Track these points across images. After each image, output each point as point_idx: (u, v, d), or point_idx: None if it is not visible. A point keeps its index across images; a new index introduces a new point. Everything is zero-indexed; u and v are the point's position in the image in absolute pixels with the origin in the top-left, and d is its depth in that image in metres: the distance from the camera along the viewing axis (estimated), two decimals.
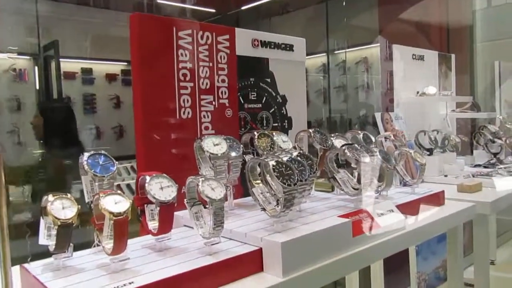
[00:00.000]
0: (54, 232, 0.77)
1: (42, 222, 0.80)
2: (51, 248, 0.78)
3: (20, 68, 4.33)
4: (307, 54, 1.50)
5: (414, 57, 2.07)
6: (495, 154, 2.19)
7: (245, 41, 1.29)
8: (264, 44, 1.34)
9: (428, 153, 1.91)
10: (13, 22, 4.11)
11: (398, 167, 1.40)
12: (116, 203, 0.75)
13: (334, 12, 4.87)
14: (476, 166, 2.12)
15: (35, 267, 0.80)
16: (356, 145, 1.13)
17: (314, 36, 5.10)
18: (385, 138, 1.61)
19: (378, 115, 1.76)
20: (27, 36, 4.33)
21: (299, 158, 0.98)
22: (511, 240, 3.22)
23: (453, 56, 2.36)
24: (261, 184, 0.96)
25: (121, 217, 0.74)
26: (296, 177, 0.88)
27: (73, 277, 0.74)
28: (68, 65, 4.55)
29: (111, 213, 0.74)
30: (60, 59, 4.32)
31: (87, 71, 4.73)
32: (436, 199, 1.36)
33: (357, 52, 4.72)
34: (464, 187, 1.58)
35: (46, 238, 0.79)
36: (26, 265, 0.81)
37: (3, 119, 4.25)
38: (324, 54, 5.18)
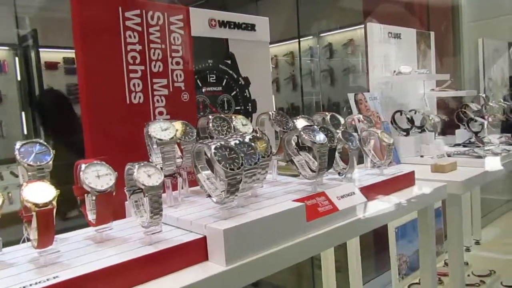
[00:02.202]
0: None
1: None
2: None
3: None
4: (293, 38, 1.45)
5: (390, 35, 2.01)
6: (476, 133, 2.15)
7: (201, 21, 1.24)
8: (223, 24, 1.28)
9: (405, 133, 1.87)
10: None
11: (366, 148, 1.36)
12: (40, 193, 0.71)
13: None
14: (456, 145, 2.09)
15: None
16: (315, 126, 1.08)
17: (301, 20, 5.02)
18: (358, 119, 1.57)
19: (351, 96, 1.71)
20: (5, 26, 4.24)
21: (249, 142, 0.94)
22: (495, 220, 3.20)
23: (432, 33, 2.30)
24: (208, 170, 0.91)
25: (45, 207, 0.69)
26: (241, 161, 0.84)
27: None
28: (49, 55, 4.48)
29: (34, 204, 0.69)
30: (40, 49, 4.24)
31: (69, 61, 4.65)
32: (406, 180, 1.32)
33: (343, 34, 4.65)
34: (438, 167, 1.55)
35: None
36: None
37: None
38: (312, 37, 5.10)
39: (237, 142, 0.91)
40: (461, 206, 1.50)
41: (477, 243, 2.77)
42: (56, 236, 0.74)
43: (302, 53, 5.08)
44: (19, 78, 4.42)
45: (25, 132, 3.75)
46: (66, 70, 4.68)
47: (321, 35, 4.88)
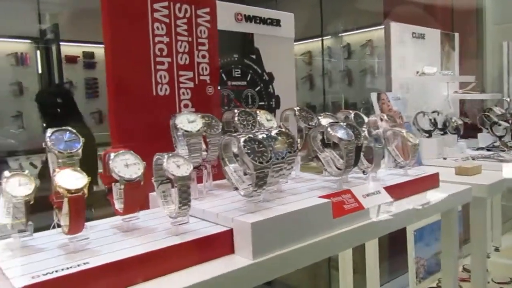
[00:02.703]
0: (11, 210, 0.74)
1: (1, 200, 0.76)
2: (9, 227, 0.75)
3: (22, 52, 4.31)
4: (312, 37, 1.44)
5: (414, 35, 1.99)
6: (500, 137, 2.11)
7: (227, 15, 1.23)
8: (249, 18, 1.28)
9: (427, 135, 1.85)
10: (13, 7, 4.08)
11: (390, 148, 1.35)
12: (72, 180, 0.71)
13: None
14: (479, 149, 2.05)
15: None
16: (341, 123, 1.07)
17: (319, 19, 4.99)
18: (380, 118, 1.55)
19: (373, 95, 1.69)
20: (28, 20, 4.30)
21: (277, 136, 0.93)
22: None
23: (456, 35, 2.26)
24: (235, 163, 0.91)
25: (77, 194, 0.70)
26: (269, 155, 0.83)
27: (28, 257, 0.71)
28: (69, 49, 4.52)
29: (66, 189, 0.70)
30: (61, 43, 4.29)
31: (89, 55, 4.69)
32: (430, 181, 1.30)
33: (361, 35, 4.61)
34: (462, 169, 1.52)
35: (5, 216, 0.76)
36: None
37: (7, 104, 4.24)
38: (329, 37, 5.08)
39: (265, 136, 0.90)
40: (486, 210, 1.47)
41: (497, 250, 2.72)
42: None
43: (320, 53, 5.06)
44: (40, 71, 4.49)
45: (44, 125, 3.79)
46: (85, 64, 4.74)
47: (340, 35, 4.86)
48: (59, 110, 2.78)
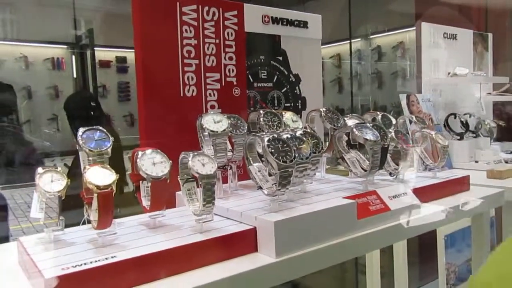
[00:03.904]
0: (44, 205, 0.77)
1: (35, 195, 0.80)
2: (41, 222, 0.78)
3: (58, 57, 4.47)
4: (341, 40, 1.43)
5: (445, 35, 1.94)
6: None
7: (254, 17, 1.25)
8: (276, 20, 1.29)
9: (458, 137, 1.80)
10: (50, 13, 4.25)
11: (419, 150, 1.32)
12: (102, 176, 0.74)
13: None
14: None
15: (29, 240, 0.80)
16: (367, 124, 1.06)
17: (347, 22, 4.95)
18: (409, 120, 1.53)
19: (402, 96, 1.67)
20: (64, 26, 4.46)
21: (301, 136, 0.93)
22: None
23: (490, 35, 2.20)
24: (260, 163, 0.92)
25: (106, 190, 0.72)
26: (293, 154, 0.84)
27: (59, 251, 0.74)
28: (103, 53, 4.67)
29: (96, 186, 0.72)
30: (95, 48, 4.43)
31: (121, 60, 4.82)
32: (460, 184, 1.27)
33: (392, 37, 4.54)
34: (494, 173, 1.48)
35: (38, 211, 0.79)
36: (21, 238, 0.82)
37: (43, 107, 4.41)
38: (359, 39, 5.03)
39: (289, 136, 0.91)
40: None
41: None
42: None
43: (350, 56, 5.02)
44: (75, 75, 4.65)
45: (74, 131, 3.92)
46: (118, 69, 4.88)
47: (370, 37, 4.80)
48: (85, 114, 2.86)
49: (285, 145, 0.84)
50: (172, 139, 1.07)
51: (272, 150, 0.82)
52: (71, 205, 0.86)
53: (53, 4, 4.32)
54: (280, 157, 0.82)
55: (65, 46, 4.58)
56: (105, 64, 4.80)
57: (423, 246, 2.22)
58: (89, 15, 4.62)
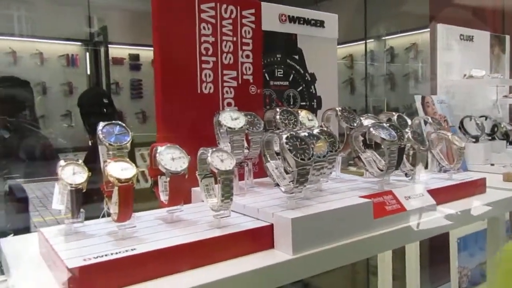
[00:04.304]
0: (65, 197, 0.78)
1: (56, 187, 0.81)
2: (62, 213, 0.79)
3: (72, 54, 4.52)
4: (354, 41, 1.43)
5: (462, 37, 1.93)
6: None
7: (272, 16, 1.25)
8: (292, 19, 1.29)
9: (474, 140, 1.79)
10: (65, 11, 4.29)
11: (435, 151, 1.32)
12: (122, 170, 0.75)
13: None
14: None
15: (50, 231, 0.82)
16: (384, 124, 1.06)
17: (362, 23, 4.93)
18: (424, 121, 1.52)
19: (417, 98, 1.66)
20: (79, 23, 4.51)
21: (318, 135, 0.94)
22: None
23: (507, 37, 2.18)
24: (277, 160, 0.92)
25: (127, 183, 0.73)
26: (311, 152, 0.84)
27: (80, 242, 0.75)
28: (116, 51, 4.71)
29: (117, 179, 0.73)
30: (108, 45, 4.47)
31: (134, 57, 4.86)
32: (476, 186, 1.26)
33: (405, 38, 4.51)
34: (510, 176, 1.46)
35: (59, 203, 0.80)
36: (42, 229, 0.83)
37: (57, 103, 4.46)
38: (372, 40, 5.00)
39: (306, 134, 0.91)
40: None
41: None
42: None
43: (362, 57, 5.00)
44: (88, 72, 4.70)
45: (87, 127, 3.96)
46: (130, 66, 4.92)
47: (383, 38, 4.78)
48: (98, 111, 2.89)
49: (303, 143, 0.85)
50: (188, 135, 1.07)
51: (290, 148, 0.82)
52: (86, 199, 0.87)
53: (68, 2, 4.37)
54: (298, 155, 0.82)
55: (79, 43, 4.63)
56: (118, 61, 4.84)
57: (435, 249, 2.20)
58: (103, 12, 4.66)
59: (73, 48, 4.64)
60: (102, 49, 4.59)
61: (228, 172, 0.79)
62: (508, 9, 2.78)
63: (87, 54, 4.64)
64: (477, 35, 2.00)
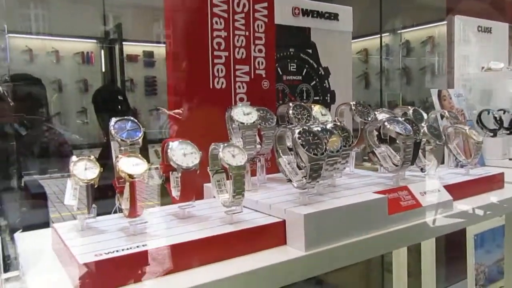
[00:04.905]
0: (77, 193, 0.79)
1: (68, 183, 0.81)
2: (75, 209, 0.79)
3: (87, 51, 4.57)
4: (368, 35, 1.41)
5: (479, 29, 1.88)
6: None
7: (285, 9, 1.24)
8: (306, 12, 1.27)
9: (491, 134, 1.75)
10: (80, 9, 4.33)
11: (451, 146, 1.29)
12: (134, 166, 0.75)
13: None
14: None
15: (63, 227, 0.82)
16: (399, 118, 1.04)
17: (377, 16, 4.86)
18: (441, 115, 1.49)
19: (434, 91, 1.62)
20: (94, 20, 4.55)
21: (332, 129, 0.92)
22: None
23: None
24: (289, 155, 0.91)
25: (138, 179, 0.73)
26: (324, 147, 0.83)
27: (92, 237, 0.75)
28: (131, 48, 4.74)
29: (128, 174, 0.73)
30: (123, 43, 4.50)
31: (148, 54, 4.88)
32: (494, 181, 1.23)
33: (421, 31, 4.43)
34: None
35: (72, 199, 0.81)
36: (55, 225, 0.84)
37: (73, 100, 4.52)
38: (388, 34, 4.94)
39: (319, 129, 0.89)
40: None
41: None
42: None
43: (377, 51, 4.93)
44: (103, 70, 4.74)
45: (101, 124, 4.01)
46: (145, 63, 4.95)
47: (398, 32, 4.71)
48: (112, 108, 2.91)
49: (316, 138, 0.83)
50: (200, 131, 1.07)
51: (303, 143, 0.81)
52: (99, 195, 0.87)
53: (83, 0, 4.41)
54: (310, 150, 0.81)
55: (94, 41, 4.68)
56: (133, 58, 4.87)
57: (451, 245, 2.16)
58: (117, 10, 4.69)
59: (88, 45, 4.68)
60: (117, 47, 4.63)
61: (240, 168, 0.78)
62: None
63: (102, 51, 4.68)
64: (495, 27, 1.95)
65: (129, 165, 0.74)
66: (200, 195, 1.03)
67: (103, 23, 4.70)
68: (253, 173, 1.05)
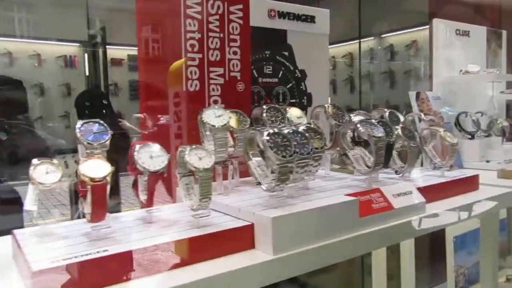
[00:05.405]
0: (37, 198, 0.76)
1: (30, 187, 0.79)
2: (35, 214, 0.77)
3: (70, 55, 4.52)
4: (353, 39, 1.41)
5: (458, 32, 1.90)
6: None
7: (260, 11, 1.23)
8: (282, 14, 1.27)
9: (469, 136, 1.76)
10: (64, 12, 4.28)
11: (427, 148, 1.29)
12: (97, 168, 0.73)
13: None
14: None
15: (23, 233, 0.80)
16: (373, 120, 1.04)
17: (362, 21, 4.89)
18: (419, 118, 1.50)
19: (412, 94, 1.63)
20: (77, 24, 4.50)
21: (304, 132, 0.91)
22: None
23: (504, 32, 2.14)
24: (259, 158, 0.90)
25: (100, 182, 0.71)
26: (293, 149, 0.82)
27: (52, 243, 0.73)
28: (115, 52, 4.70)
29: (90, 178, 0.71)
30: (107, 46, 4.46)
31: (133, 58, 4.85)
32: (469, 183, 1.23)
33: (405, 35, 4.48)
34: (505, 172, 1.43)
35: (32, 203, 0.78)
36: (15, 231, 0.81)
37: (55, 104, 4.46)
38: (372, 38, 4.97)
39: (290, 131, 0.88)
40: None
41: None
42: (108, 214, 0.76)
43: (361, 55, 4.96)
44: (87, 73, 4.69)
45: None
46: (129, 67, 4.91)
47: (382, 36, 4.74)
48: (95, 112, 2.87)
49: (285, 140, 0.82)
50: (174, 134, 1.06)
51: (271, 145, 0.80)
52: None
53: (66, 3, 4.37)
54: (279, 152, 0.80)
55: (77, 44, 4.63)
56: (117, 62, 4.83)
57: (432, 247, 2.17)
58: (101, 13, 4.65)
59: (71, 49, 4.63)
60: (101, 50, 4.58)
61: (207, 171, 0.77)
62: (505, 4, 2.75)
63: (86, 55, 4.63)
64: (474, 30, 1.97)
65: (92, 168, 0.72)
66: (172, 199, 1.02)
67: (87, 27, 4.65)
68: (225, 177, 1.04)
